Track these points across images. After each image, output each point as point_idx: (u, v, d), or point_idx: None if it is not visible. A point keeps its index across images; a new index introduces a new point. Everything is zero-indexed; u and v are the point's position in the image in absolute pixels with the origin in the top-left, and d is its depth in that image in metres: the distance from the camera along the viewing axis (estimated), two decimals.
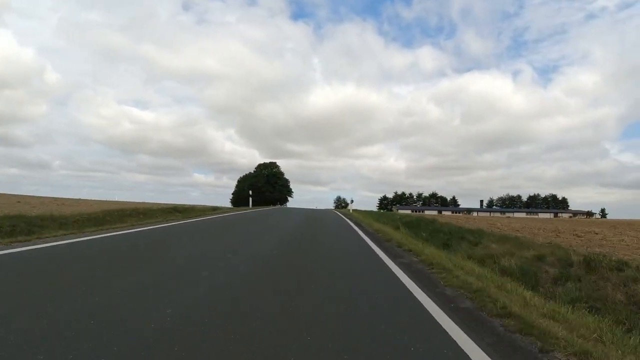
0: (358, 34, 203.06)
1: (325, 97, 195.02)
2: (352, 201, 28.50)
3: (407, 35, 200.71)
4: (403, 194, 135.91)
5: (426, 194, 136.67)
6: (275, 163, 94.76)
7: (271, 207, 43.29)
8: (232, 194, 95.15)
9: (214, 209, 23.62)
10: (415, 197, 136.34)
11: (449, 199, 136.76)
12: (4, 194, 36.47)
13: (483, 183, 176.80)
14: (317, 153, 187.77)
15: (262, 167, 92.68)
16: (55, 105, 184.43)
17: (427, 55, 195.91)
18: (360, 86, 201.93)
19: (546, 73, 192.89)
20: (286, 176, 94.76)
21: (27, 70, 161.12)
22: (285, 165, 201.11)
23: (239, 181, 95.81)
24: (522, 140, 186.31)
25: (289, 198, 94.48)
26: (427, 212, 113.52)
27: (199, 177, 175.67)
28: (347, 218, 22.29)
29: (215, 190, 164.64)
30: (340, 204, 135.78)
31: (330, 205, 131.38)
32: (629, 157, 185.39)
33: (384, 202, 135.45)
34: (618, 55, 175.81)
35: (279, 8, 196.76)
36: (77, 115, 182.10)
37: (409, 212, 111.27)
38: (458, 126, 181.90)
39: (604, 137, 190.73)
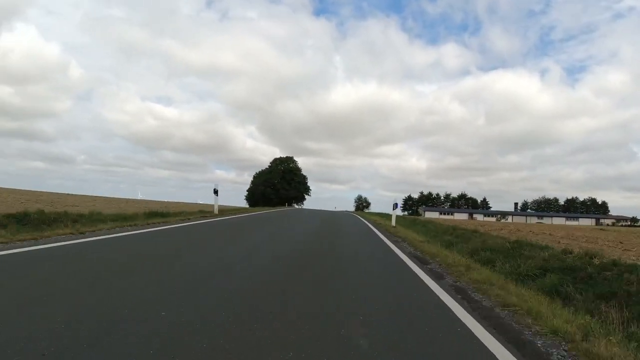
0: (381, 31, 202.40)
1: (345, 94, 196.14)
2: (395, 205, 18.94)
3: (431, 32, 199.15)
4: (430, 194, 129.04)
5: (454, 194, 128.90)
6: (292, 158, 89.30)
7: (277, 210, 36.83)
8: (247, 190, 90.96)
9: (202, 213, 18.46)
10: (442, 198, 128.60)
11: (479, 200, 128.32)
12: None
13: (505, 184, 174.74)
14: (336, 151, 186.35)
15: (277, 162, 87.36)
16: (79, 100, 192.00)
17: (451, 53, 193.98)
18: (382, 84, 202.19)
19: (574, 72, 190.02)
20: (305, 173, 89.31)
21: (51, 65, 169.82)
22: (304, 163, 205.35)
23: (254, 177, 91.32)
24: (547, 142, 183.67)
25: (306, 196, 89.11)
26: (456, 216, 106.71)
27: (220, 173, 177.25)
28: (385, 234, 14.66)
29: (236, 187, 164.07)
30: (362, 203, 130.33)
31: (349, 205, 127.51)
32: None
33: (409, 203, 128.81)
34: None
35: (302, 4, 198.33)
36: (101, 110, 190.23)
37: (436, 214, 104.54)
38: (481, 126, 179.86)
39: (631, 139, 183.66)
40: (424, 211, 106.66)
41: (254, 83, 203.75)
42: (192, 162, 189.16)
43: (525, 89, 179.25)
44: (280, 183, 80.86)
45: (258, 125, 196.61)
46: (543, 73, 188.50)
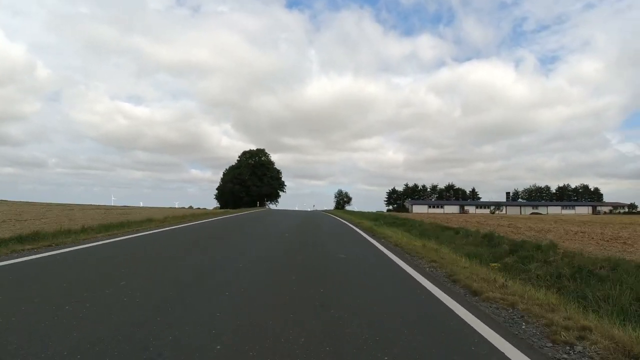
0: (355, 22, 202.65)
1: (321, 88, 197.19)
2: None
3: (405, 23, 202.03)
4: (415, 186, 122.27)
5: (441, 186, 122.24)
6: (263, 150, 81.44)
7: (236, 214, 27.81)
8: (217, 189, 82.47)
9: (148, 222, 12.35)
10: (429, 189, 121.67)
11: (467, 191, 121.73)
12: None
13: (481, 175, 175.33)
14: (314, 147, 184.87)
15: (247, 156, 78.70)
16: (48, 102, 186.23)
17: (426, 44, 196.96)
18: (358, 77, 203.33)
19: (548, 61, 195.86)
20: (283, 170, 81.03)
21: (17, 66, 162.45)
22: (282, 159, 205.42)
23: (224, 174, 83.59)
24: (522, 131, 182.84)
25: (281, 193, 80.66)
26: (446, 209, 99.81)
27: (195, 172, 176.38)
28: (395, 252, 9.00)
29: (212, 185, 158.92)
30: (342, 199, 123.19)
31: (329, 202, 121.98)
32: (629, 147, 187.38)
33: (393, 196, 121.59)
34: (621, 41, 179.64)
35: None
36: (70, 112, 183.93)
37: (424, 208, 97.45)
38: (457, 117, 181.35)
39: (604, 127, 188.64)
40: (411, 205, 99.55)
41: (228, 79, 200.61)
42: (166, 162, 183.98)
43: (500, 79, 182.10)
44: (250, 179, 72.23)
45: (233, 122, 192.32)
46: (517, 63, 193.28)
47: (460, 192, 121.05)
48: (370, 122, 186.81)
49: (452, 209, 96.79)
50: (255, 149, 79.40)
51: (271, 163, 79.55)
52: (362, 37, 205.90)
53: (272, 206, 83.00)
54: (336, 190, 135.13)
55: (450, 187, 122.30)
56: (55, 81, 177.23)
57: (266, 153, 79.83)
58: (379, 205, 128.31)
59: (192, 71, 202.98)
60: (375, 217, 25.71)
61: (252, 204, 63.19)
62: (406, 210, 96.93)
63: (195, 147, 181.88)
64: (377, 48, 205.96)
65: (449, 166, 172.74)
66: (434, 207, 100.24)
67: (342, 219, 24.27)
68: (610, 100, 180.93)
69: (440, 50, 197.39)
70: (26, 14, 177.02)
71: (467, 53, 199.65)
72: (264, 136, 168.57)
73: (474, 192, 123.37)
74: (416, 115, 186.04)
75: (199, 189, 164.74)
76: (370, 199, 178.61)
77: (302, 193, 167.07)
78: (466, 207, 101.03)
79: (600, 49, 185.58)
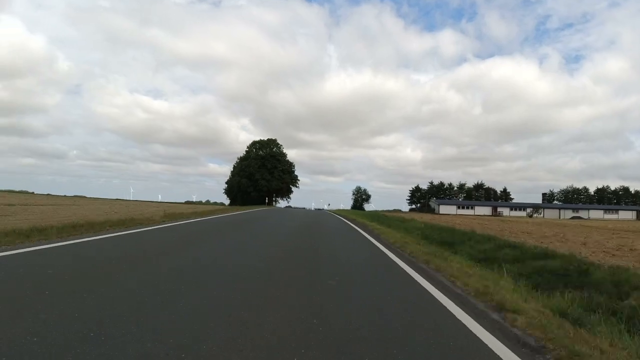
0: (375, 16, 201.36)
1: (340, 84, 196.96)
2: None
3: (427, 18, 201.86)
4: (441, 184, 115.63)
5: (469, 184, 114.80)
6: (275, 141, 74.57)
7: (233, 213, 22.96)
8: (226, 183, 77.10)
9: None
10: (456, 188, 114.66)
11: (499, 190, 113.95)
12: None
13: (501, 175, 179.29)
14: (330, 143, 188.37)
15: (256, 147, 72.02)
16: (68, 94, 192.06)
17: (448, 39, 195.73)
18: (377, 73, 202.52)
19: (572, 60, 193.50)
20: (298, 165, 75.15)
21: (37, 58, 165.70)
22: (298, 155, 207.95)
23: (234, 167, 77.48)
24: (543, 131, 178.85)
25: (293, 189, 74.36)
26: (477, 210, 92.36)
27: (213, 167, 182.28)
28: None
29: None
30: (361, 196, 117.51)
31: (345, 200, 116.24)
32: None
33: (417, 195, 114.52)
34: None
35: None
36: (91, 104, 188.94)
37: (452, 209, 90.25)
38: (478, 115, 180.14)
39: (628, 128, 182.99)
40: (438, 205, 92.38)
41: (246, 73, 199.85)
42: (185, 156, 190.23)
43: (523, 77, 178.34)
44: (259, 172, 66.15)
45: (251, 117, 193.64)
46: (541, 60, 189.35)
47: (491, 192, 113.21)
48: (388, 119, 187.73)
49: (483, 210, 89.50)
50: (266, 139, 73.07)
51: (283, 155, 73.19)
52: (382, 31, 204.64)
53: (283, 203, 77.45)
54: (354, 187, 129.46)
55: (479, 186, 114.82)
56: (75, 74, 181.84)
57: (278, 144, 73.19)
58: (399, 203, 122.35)
59: (210, 65, 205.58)
60: (410, 227, 18.19)
61: (260, 201, 57.95)
62: (432, 210, 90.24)
63: (214, 141, 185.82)
64: (397, 43, 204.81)
65: (467, 165, 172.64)
66: (463, 207, 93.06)
67: (365, 231, 16.41)
68: (636, 100, 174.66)
69: (462, 46, 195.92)
70: (46, 7, 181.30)
71: (490, 49, 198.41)
72: (281, 131, 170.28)
73: (505, 193, 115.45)
74: (436, 112, 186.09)
75: (216, 182, 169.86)
76: (388, 197, 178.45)
77: (317, 189, 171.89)
78: (499, 209, 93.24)
79: (626, 47, 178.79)
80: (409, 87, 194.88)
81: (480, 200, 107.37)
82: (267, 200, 61.30)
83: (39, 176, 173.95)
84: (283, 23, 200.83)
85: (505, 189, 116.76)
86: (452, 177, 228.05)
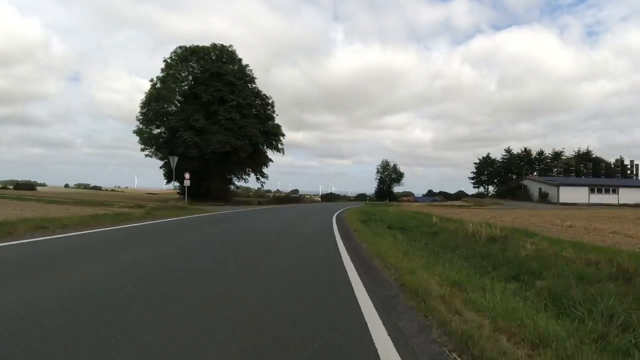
0: None
1: (347, 59, 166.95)
2: None
3: None
4: (526, 152, 78.18)
5: (568, 153, 77.95)
6: (224, 47, 35.65)
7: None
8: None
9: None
10: (549, 159, 77.89)
11: (612, 162, 76.50)
12: None
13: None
14: (337, 124, 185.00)
15: (185, 54, 34.36)
16: (69, 81, 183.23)
17: (461, 9, 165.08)
18: (386, 47, 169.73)
19: (593, 32, 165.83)
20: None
21: (33, 43, 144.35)
22: (305, 139, 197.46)
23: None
24: (561, 108, 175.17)
25: (275, 153, 39.88)
26: (622, 195, 54.59)
27: None
28: None
29: None
30: (389, 175, 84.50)
31: (355, 184, 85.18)
32: None
33: (489, 170, 78.44)
34: None
35: None
36: (91, 91, 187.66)
37: (579, 193, 52.00)
38: (493, 91, 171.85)
39: None
40: (557, 187, 53.68)
41: (248, 51, 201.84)
42: None
43: (542, 49, 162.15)
44: (194, 118, 30.57)
45: None
46: (562, 30, 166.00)
47: (603, 165, 75.27)
48: (397, 97, 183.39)
49: (629, 196, 51.92)
50: (211, 44, 35.11)
51: (247, 75, 35.75)
52: (391, 1, 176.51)
53: (252, 184, 44.47)
54: (379, 163, 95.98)
55: (585, 155, 76.82)
56: (71, 58, 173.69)
57: (231, 51, 35.68)
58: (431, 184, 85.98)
59: (209, 42, 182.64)
60: None
61: (197, 187, 23.02)
62: (529, 197, 54.44)
63: None
64: (407, 14, 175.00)
65: (478, 145, 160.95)
66: (596, 191, 54.94)
67: None
68: None
69: (476, 16, 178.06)
70: None
71: (506, 19, 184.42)
72: (286, 113, 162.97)
73: (623, 165, 77.03)
74: (448, 88, 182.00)
75: None
76: (415, 177, 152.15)
77: (326, 172, 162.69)
78: None
79: None
80: (419, 63, 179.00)
81: (588, 176, 70.19)
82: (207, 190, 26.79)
83: (48, 165, 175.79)
84: None
85: (620, 158, 78.25)
86: (461, 158, 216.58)
